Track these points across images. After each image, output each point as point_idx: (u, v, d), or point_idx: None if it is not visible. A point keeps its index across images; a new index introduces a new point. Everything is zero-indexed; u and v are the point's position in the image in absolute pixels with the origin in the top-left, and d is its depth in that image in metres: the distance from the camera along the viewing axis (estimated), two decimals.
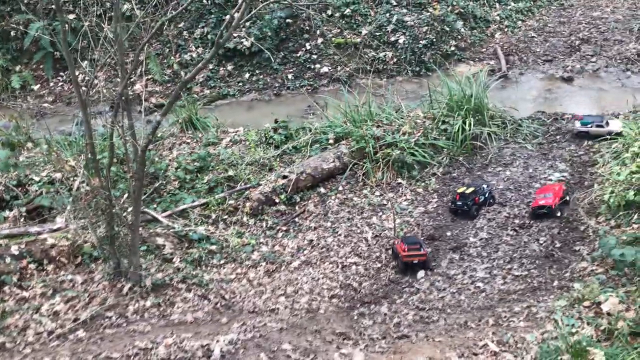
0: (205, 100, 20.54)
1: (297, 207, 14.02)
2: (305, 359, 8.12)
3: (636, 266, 8.85)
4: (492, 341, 8.15)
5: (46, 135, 15.68)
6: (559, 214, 12.39)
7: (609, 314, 8.14)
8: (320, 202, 14.16)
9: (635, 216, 11.17)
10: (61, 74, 22.49)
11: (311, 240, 12.96)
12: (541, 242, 11.95)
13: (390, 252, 12.19)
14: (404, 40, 21.59)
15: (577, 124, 15.35)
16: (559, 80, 20.00)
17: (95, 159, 10.23)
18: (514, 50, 22.00)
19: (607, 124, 14.89)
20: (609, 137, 14.43)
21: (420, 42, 21.46)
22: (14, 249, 10.81)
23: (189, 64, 21.73)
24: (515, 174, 14.47)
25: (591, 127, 14.97)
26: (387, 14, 22.24)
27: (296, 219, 13.71)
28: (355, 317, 10.07)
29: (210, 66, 21.65)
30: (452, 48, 21.75)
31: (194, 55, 21.97)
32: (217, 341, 8.19)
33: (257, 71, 21.79)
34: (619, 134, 14.17)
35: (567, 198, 12.73)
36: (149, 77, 21.31)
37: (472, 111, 15.68)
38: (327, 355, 8.21)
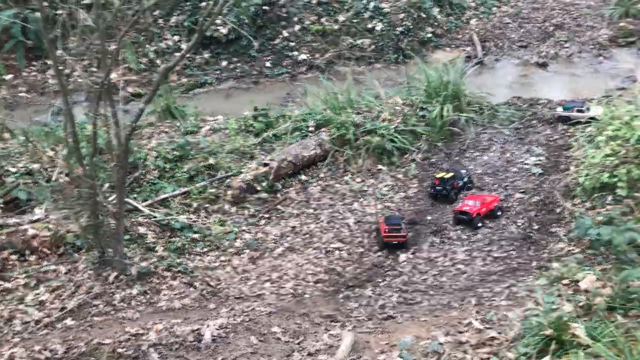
0: (182, 89, 20.39)
1: (279, 195, 14.08)
2: (295, 341, 8.25)
3: (612, 244, 9.15)
4: (476, 319, 8.39)
5: (23, 125, 15.40)
6: (479, 225, 12.24)
7: (586, 290, 8.44)
8: (302, 189, 14.25)
9: (610, 197, 11.50)
10: (34, 63, 22.03)
11: (294, 227, 13.06)
12: (519, 224, 12.25)
13: (374, 233, 12.40)
14: (381, 27, 21.70)
15: (559, 109, 15.75)
16: (534, 65, 20.37)
17: (77, 147, 10.15)
18: (489, 37, 22.29)
19: (589, 109, 15.27)
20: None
21: (397, 29, 21.60)
22: None
23: (164, 52, 21.51)
24: (493, 159, 14.76)
25: (572, 111, 15.36)
26: (364, 1, 22.29)
27: (278, 206, 13.77)
28: (341, 300, 10.23)
29: (187, 54, 21.47)
30: (429, 35, 21.94)
31: (170, 43, 21.77)
32: (207, 326, 8.28)
33: (234, 59, 21.69)
34: (593, 118, 14.53)
35: (499, 213, 12.48)
36: (125, 65, 21.04)
37: (449, 97, 15.89)
38: (317, 336, 8.36)
